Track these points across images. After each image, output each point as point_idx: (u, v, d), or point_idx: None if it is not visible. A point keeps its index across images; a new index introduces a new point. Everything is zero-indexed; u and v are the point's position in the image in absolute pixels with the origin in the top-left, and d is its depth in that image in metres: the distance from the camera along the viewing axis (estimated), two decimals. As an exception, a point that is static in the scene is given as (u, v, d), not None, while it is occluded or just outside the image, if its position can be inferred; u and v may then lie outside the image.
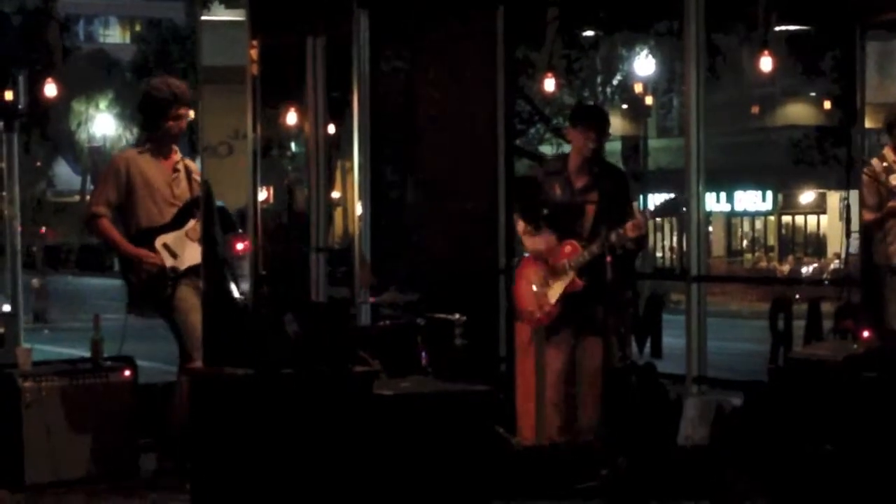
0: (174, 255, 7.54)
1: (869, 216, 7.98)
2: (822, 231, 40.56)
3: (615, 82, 37.53)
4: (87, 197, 13.59)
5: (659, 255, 40.25)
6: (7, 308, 13.09)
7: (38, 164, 51.34)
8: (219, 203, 7.00)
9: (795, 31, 20.35)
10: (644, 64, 32.65)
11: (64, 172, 57.41)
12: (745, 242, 43.98)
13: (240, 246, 7.07)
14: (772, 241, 42.96)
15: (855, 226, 8.00)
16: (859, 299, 7.73)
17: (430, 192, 9.29)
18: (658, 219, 30.34)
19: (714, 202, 38.81)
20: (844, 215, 7.96)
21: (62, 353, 12.79)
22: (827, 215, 39.57)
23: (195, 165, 7.66)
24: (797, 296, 8.48)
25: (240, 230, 7.03)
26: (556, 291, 7.60)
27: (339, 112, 10.10)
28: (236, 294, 6.83)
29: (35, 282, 26.21)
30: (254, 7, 6.69)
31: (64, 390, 7.54)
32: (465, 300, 7.59)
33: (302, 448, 6.18)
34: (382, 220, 9.33)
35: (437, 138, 9.18)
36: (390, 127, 9.28)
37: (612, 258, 7.19)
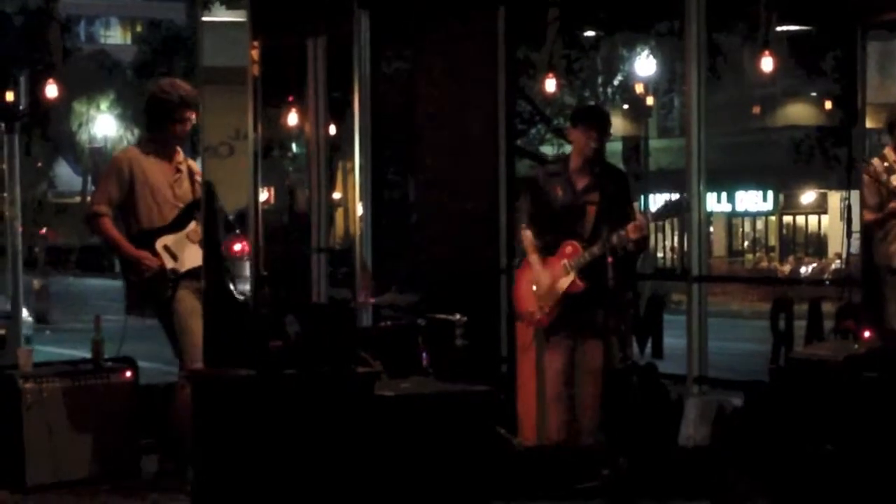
0: (174, 257, 7.53)
1: (870, 216, 7.97)
2: (823, 231, 40.57)
3: (616, 82, 37.51)
4: (88, 198, 13.59)
5: (660, 255, 40.23)
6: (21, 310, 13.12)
7: (39, 164, 51.39)
8: None
9: (796, 31, 20.38)
10: (645, 64, 32.64)
11: (65, 173, 57.43)
12: (746, 243, 43.98)
13: (237, 247, 7.06)
14: (773, 241, 42.97)
15: (856, 226, 7.99)
16: (860, 299, 7.72)
17: (430, 192, 9.29)
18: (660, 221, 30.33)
19: (715, 202, 38.82)
20: (845, 215, 7.95)
21: (63, 354, 12.79)
22: (828, 215, 39.59)
23: (198, 166, 7.65)
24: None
25: (237, 231, 7.02)
26: (556, 292, 7.60)
27: (339, 113, 10.10)
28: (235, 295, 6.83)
29: (36, 283, 26.21)
30: (255, 8, 6.69)
31: (65, 391, 7.54)
32: (466, 300, 7.59)
33: (303, 449, 6.18)
34: (383, 221, 9.34)
35: (438, 138, 9.18)
36: (391, 127, 9.30)
37: (614, 260, 7.19)
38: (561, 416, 7.63)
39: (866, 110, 7.83)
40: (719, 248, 41.95)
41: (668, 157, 33.48)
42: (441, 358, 7.17)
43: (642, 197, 29.82)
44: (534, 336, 7.72)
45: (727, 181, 34.53)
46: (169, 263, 7.52)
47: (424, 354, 7.17)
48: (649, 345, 8.50)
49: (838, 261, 29.70)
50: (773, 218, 42.64)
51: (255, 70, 6.67)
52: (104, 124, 53.91)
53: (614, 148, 28.58)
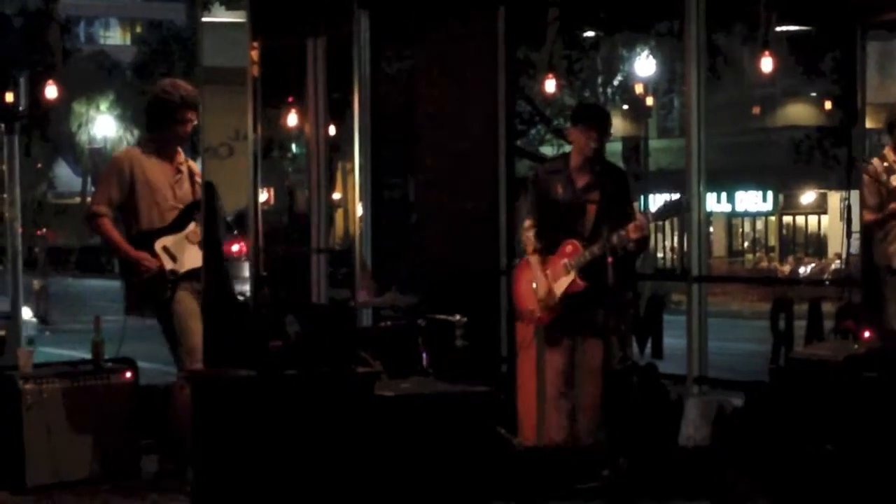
0: (174, 259, 7.52)
1: (869, 216, 7.97)
2: (822, 231, 40.57)
3: (616, 83, 37.50)
4: (88, 199, 13.58)
5: (660, 255, 40.23)
6: (25, 311, 13.11)
7: (39, 165, 51.39)
8: None
9: (796, 31, 20.38)
10: (645, 64, 32.65)
11: (64, 174, 57.43)
12: (745, 243, 43.98)
13: (234, 248, 7.06)
14: (773, 241, 42.96)
15: (856, 226, 7.99)
16: (860, 300, 7.72)
17: (430, 192, 9.29)
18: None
19: (715, 202, 38.82)
20: (845, 215, 7.95)
21: (63, 354, 12.79)
22: (828, 215, 39.59)
23: (198, 167, 7.64)
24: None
25: (234, 231, 7.02)
26: (557, 291, 7.59)
27: (339, 113, 10.09)
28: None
29: (36, 283, 26.21)
30: (254, 8, 6.69)
31: (65, 392, 7.54)
32: (466, 301, 7.58)
33: (303, 449, 6.18)
34: (383, 221, 9.33)
35: (438, 138, 9.18)
36: (391, 128, 9.30)
37: (613, 260, 7.18)
38: (561, 416, 7.62)
39: (866, 110, 7.83)
40: (719, 248, 41.94)
41: (668, 158, 33.49)
42: (441, 358, 7.17)
43: (642, 197, 29.83)
44: (534, 335, 7.71)
45: (727, 181, 34.52)
46: (168, 264, 7.51)
47: (424, 355, 7.17)
48: (649, 345, 8.50)
49: (838, 261, 29.71)
50: (772, 218, 42.64)
51: (255, 70, 6.66)
52: (104, 125, 53.93)
53: (614, 148, 28.59)
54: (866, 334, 7.00)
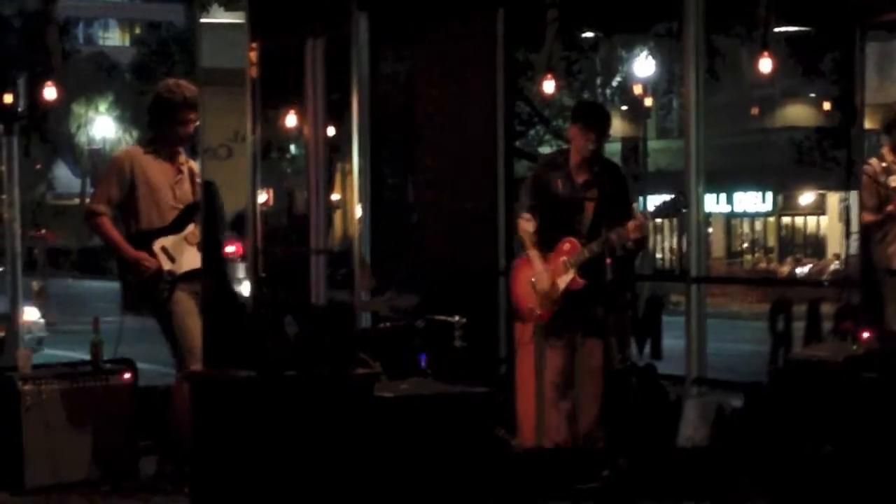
0: (172, 259, 7.52)
1: (868, 217, 7.97)
2: (821, 232, 40.56)
3: (615, 84, 37.54)
4: (87, 200, 13.57)
5: (659, 256, 40.24)
6: (33, 312, 13.08)
7: (38, 166, 51.33)
8: None
9: (795, 32, 20.38)
10: (643, 65, 32.67)
11: (63, 175, 57.41)
12: (744, 244, 43.97)
13: (230, 248, 7.05)
14: (771, 242, 42.96)
15: (855, 227, 7.99)
16: (859, 301, 7.73)
17: (429, 193, 9.28)
18: (658, 220, 30.35)
19: (714, 203, 38.83)
20: (844, 216, 7.95)
21: (62, 355, 12.78)
22: (827, 216, 39.59)
23: (199, 168, 7.63)
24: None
25: (232, 232, 7.01)
26: (556, 289, 7.59)
27: (338, 114, 10.08)
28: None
29: (35, 284, 26.20)
30: (253, 9, 6.69)
31: (64, 393, 7.54)
32: (465, 302, 7.58)
33: (302, 450, 6.17)
34: (382, 222, 9.32)
35: (437, 139, 9.17)
36: (390, 128, 9.28)
37: (612, 260, 7.18)
38: (560, 417, 7.62)
39: (865, 111, 7.84)
40: (718, 249, 41.93)
41: (667, 159, 33.50)
42: (440, 359, 7.17)
43: (641, 198, 29.82)
44: (533, 336, 7.71)
45: (726, 182, 34.52)
46: (166, 265, 7.50)
47: (423, 356, 7.17)
48: (648, 346, 8.50)
49: (837, 262, 29.73)
50: (771, 219, 42.63)
51: (254, 72, 6.66)
52: (103, 126, 53.91)
53: (613, 149, 28.55)
54: (865, 335, 7.00)
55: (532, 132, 28.42)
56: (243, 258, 6.72)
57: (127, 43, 63.44)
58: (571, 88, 28.42)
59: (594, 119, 7.72)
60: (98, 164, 47.48)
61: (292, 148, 7.81)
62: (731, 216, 42.62)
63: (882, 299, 7.86)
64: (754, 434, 6.88)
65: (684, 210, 8.04)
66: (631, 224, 7.33)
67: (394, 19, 9.22)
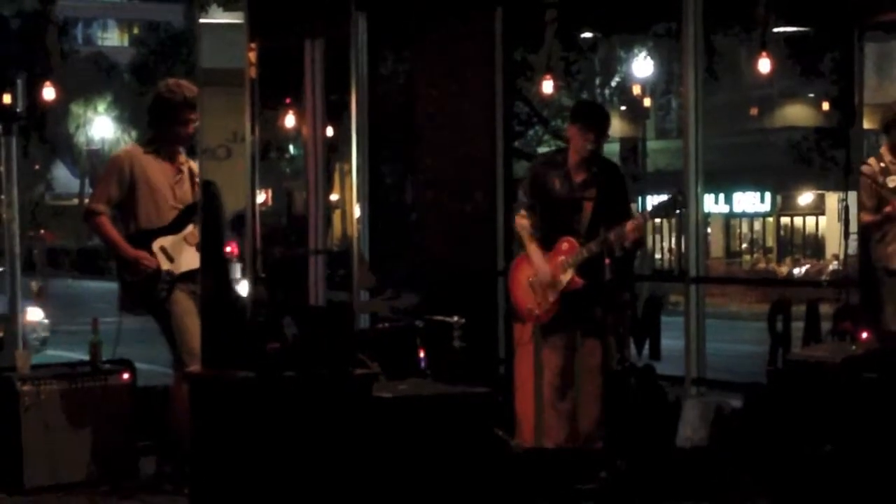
0: (171, 259, 7.51)
1: (867, 217, 7.97)
2: (820, 232, 40.58)
3: (613, 84, 37.54)
4: (86, 200, 13.58)
5: (657, 256, 40.24)
6: (37, 312, 13.02)
7: (37, 167, 51.29)
8: None
9: (794, 32, 20.39)
10: (642, 65, 32.68)
11: (62, 175, 57.40)
12: (743, 244, 43.99)
13: (226, 249, 7.04)
14: (770, 242, 42.97)
15: (854, 227, 8.00)
16: (858, 301, 7.73)
17: (428, 193, 9.29)
18: (657, 220, 30.35)
19: (713, 203, 38.81)
20: (843, 216, 7.95)
21: (61, 355, 12.78)
22: (825, 216, 39.59)
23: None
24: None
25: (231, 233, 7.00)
26: (555, 289, 7.58)
27: (337, 114, 10.09)
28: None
29: (34, 285, 26.19)
30: (252, 9, 6.68)
31: (63, 393, 7.54)
32: (464, 302, 7.58)
33: (301, 451, 6.17)
34: (381, 223, 9.33)
35: (436, 139, 9.18)
36: (389, 128, 9.30)
37: (611, 260, 7.18)
38: (559, 417, 7.62)
39: (864, 111, 7.84)
40: (717, 249, 41.93)
41: (666, 159, 33.48)
42: (439, 359, 7.17)
43: (640, 198, 29.83)
44: (532, 336, 7.70)
45: (725, 182, 34.53)
46: (165, 265, 7.50)
47: (422, 356, 7.17)
48: (647, 346, 8.49)
49: (836, 262, 29.73)
50: (770, 219, 42.64)
51: (253, 72, 6.66)
52: (102, 126, 53.90)
53: (612, 149, 28.58)
54: (864, 335, 7.00)
55: (531, 132, 28.44)
56: (239, 258, 6.71)
57: (126, 43, 63.44)
58: (570, 89, 28.41)
59: (593, 119, 7.71)
60: (97, 165, 47.49)
61: (291, 148, 7.80)
62: (729, 216, 42.63)
63: (881, 299, 7.86)
64: (753, 434, 6.88)
65: (682, 210, 8.03)
66: (630, 224, 7.32)
67: (393, 20, 9.24)
